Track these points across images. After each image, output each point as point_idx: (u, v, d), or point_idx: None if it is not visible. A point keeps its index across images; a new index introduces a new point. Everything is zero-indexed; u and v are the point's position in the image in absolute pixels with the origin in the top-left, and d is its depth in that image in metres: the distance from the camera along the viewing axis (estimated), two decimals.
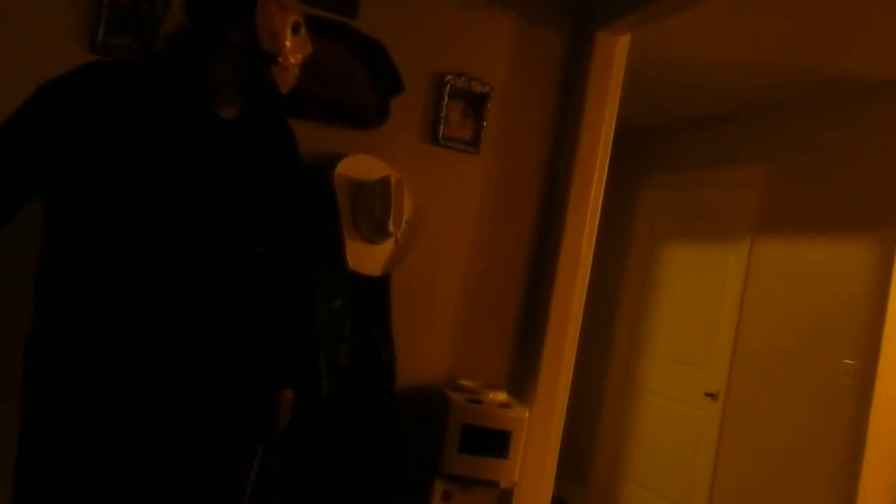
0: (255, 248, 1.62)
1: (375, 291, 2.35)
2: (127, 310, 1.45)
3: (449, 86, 2.48)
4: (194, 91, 1.51)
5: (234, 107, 1.56)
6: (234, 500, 1.66)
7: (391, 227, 2.27)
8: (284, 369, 1.69)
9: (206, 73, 1.50)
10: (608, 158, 2.64)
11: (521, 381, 2.60)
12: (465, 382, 2.47)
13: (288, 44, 1.53)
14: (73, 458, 1.43)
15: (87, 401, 1.43)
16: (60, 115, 1.39)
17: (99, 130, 1.41)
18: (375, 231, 2.30)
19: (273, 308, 1.66)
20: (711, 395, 3.66)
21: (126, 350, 1.45)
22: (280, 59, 1.51)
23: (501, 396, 2.43)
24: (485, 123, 2.54)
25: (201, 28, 1.50)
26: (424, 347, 2.49)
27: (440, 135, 2.49)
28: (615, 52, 2.60)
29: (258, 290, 1.62)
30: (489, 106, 2.54)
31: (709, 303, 3.84)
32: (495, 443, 2.31)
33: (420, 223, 2.43)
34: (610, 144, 2.63)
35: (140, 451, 1.47)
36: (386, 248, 2.36)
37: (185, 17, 1.51)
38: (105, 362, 1.44)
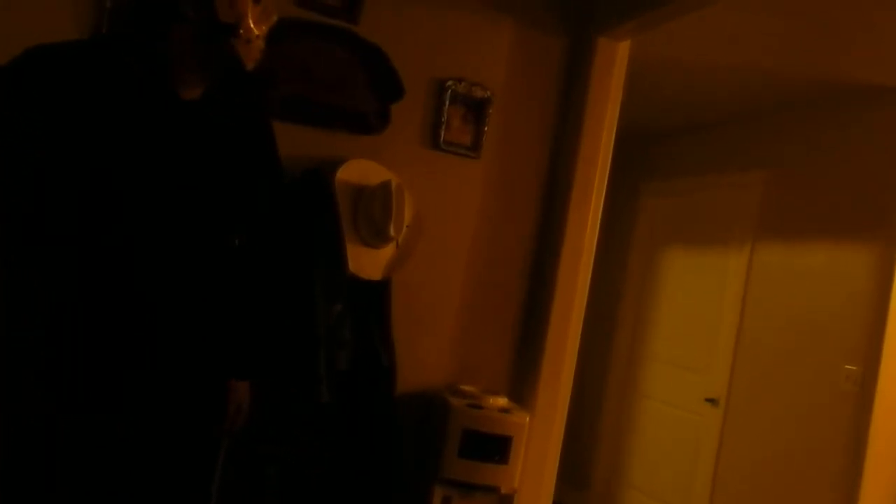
0: (228, 239, 1.56)
1: (376, 296, 2.35)
2: (87, 302, 1.41)
3: (450, 91, 2.49)
4: (151, 69, 1.42)
5: (196, 86, 1.47)
6: (198, 492, 1.64)
7: (392, 232, 2.27)
8: (244, 361, 1.64)
9: (161, 50, 1.42)
10: (609, 163, 2.64)
11: (522, 386, 2.60)
12: (465, 387, 2.47)
13: (249, 14, 1.42)
14: (43, 455, 1.41)
15: (52, 399, 1.40)
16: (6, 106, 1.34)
17: (49, 116, 1.34)
18: (376, 235, 2.30)
19: (249, 302, 1.62)
20: (712, 401, 3.66)
21: (84, 341, 1.42)
22: (241, 31, 1.41)
23: (502, 401, 2.43)
24: (485, 128, 2.54)
25: (150, 2, 1.42)
26: (425, 351, 2.49)
27: (441, 140, 2.49)
28: (616, 58, 2.61)
29: (232, 282, 1.57)
30: (490, 111, 2.54)
31: (709, 308, 3.84)
32: (496, 448, 2.31)
33: (421, 228, 2.43)
34: (611, 149, 2.63)
35: (101, 445, 1.45)
36: (387, 253, 2.36)
37: None
38: (63, 358, 1.40)
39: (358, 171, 2.34)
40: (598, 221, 2.63)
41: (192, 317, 1.52)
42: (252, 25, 1.43)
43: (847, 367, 2.96)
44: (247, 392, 1.65)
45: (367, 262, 2.32)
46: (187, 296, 1.51)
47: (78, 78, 1.38)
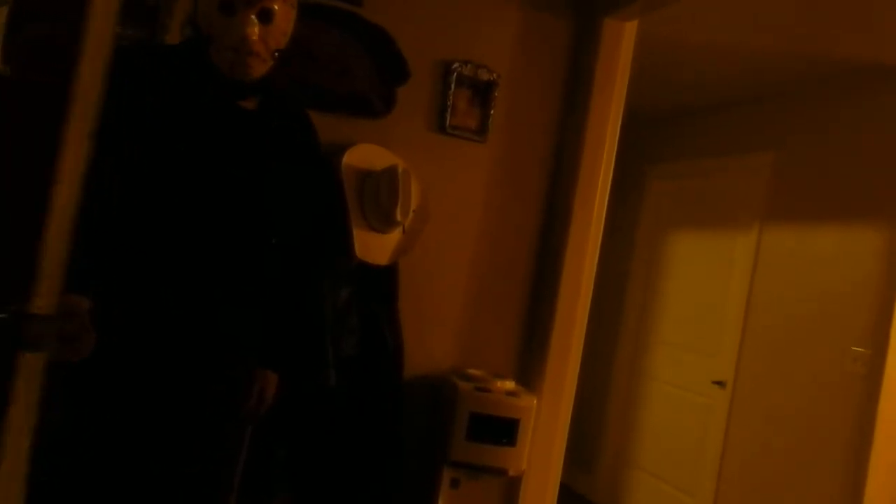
0: (269, 238, 1.66)
1: (383, 281, 2.35)
2: (141, 287, 1.49)
3: (456, 73, 2.47)
4: (217, 82, 1.57)
5: (252, 98, 1.62)
6: (223, 478, 1.68)
7: (398, 217, 2.26)
8: (273, 353, 1.70)
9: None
10: (615, 146, 2.62)
11: (529, 370, 2.60)
12: (472, 371, 2.47)
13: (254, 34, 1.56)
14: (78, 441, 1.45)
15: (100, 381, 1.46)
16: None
17: (134, 112, 1.46)
18: (382, 220, 2.29)
19: (278, 295, 1.68)
20: (719, 383, 3.66)
21: (135, 324, 1.49)
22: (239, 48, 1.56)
23: (509, 385, 2.43)
24: (492, 112, 2.53)
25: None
26: (432, 336, 2.50)
27: (447, 123, 2.48)
28: (622, 39, 2.58)
29: (267, 278, 1.65)
30: (496, 94, 2.52)
31: (716, 291, 3.83)
32: (503, 431, 2.31)
33: (427, 212, 2.43)
34: (617, 132, 2.62)
35: (131, 430, 1.50)
36: (393, 238, 2.36)
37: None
38: (109, 345, 1.44)
39: (363, 155, 2.33)
40: (605, 204, 2.62)
41: (227, 308, 1.59)
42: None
43: (855, 349, 2.95)
44: (274, 382, 1.69)
45: (373, 247, 2.32)
46: (225, 288, 1.59)
47: (162, 78, 1.51)
